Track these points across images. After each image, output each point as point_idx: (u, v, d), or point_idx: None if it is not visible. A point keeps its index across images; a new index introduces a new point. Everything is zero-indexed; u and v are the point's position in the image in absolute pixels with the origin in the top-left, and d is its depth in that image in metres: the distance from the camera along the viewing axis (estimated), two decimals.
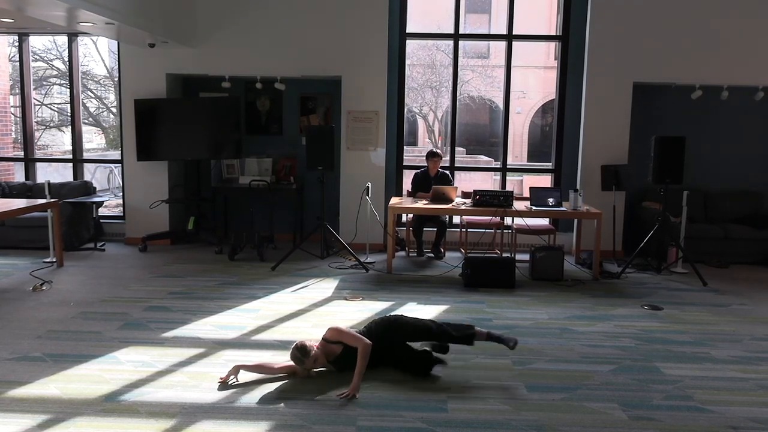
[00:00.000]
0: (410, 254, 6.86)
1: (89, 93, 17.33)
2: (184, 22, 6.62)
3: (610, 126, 6.78)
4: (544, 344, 4.06)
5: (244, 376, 3.43)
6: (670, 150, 5.84)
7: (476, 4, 19.75)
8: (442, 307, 4.83)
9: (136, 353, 3.77)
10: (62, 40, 11.40)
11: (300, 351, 3.37)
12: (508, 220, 6.61)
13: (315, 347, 3.44)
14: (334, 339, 3.47)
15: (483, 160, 16.46)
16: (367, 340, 3.43)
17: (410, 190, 6.85)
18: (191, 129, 6.85)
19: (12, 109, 9.68)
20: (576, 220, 6.91)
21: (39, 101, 16.51)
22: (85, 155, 8.61)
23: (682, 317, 4.72)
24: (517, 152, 19.75)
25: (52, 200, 5.96)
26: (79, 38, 8.19)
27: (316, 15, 6.79)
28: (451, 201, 6.17)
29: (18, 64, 7.65)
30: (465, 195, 6.62)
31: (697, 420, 3.05)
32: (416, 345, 3.71)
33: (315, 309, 4.75)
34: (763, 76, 6.69)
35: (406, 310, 4.75)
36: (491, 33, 17.26)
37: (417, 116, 19.86)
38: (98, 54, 17.63)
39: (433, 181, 6.62)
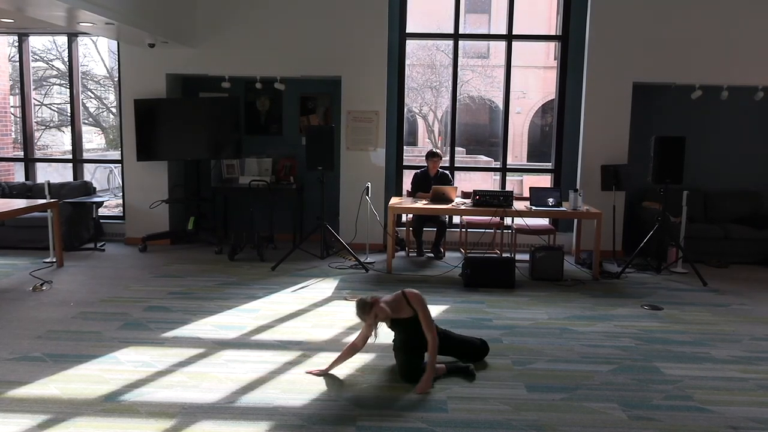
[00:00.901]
0: (410, 254, 6.86)
1: (89, 93, 17.34)
2: (184, 22, 6.62)
3: (610, 126, 6.78)
4: (544, 344, 4.06)
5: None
6: (670, 150, 5.84)
7: (476, 4, 19.77)
8: (442, 307, 4.83)
9: (136, 353, 3.77)
10: (62, 40, 11.41)
11: (359, 308, 3.42)
12: (507, 220, 6.61)
13: (379, 302, 3.42)
14: (414, 304, 3.46)
15: (483, 160, 16.47)
16: (435, 334, 3.45)
17: (410, 190, 6.85)
18: (191, 129, 6.84)
19: (12, 109, 9.69)
20: (576, 220, 6.91)
21: (39, 101, 16.52)
22: (85, 155, 8.61)
23: (682, 317, 4.72)
24: (517, 152, 19.77)
25: (52, 200, 5.96)
26: (79, 38, 8.19)
27: (316, 15, 6.78)
28: (451, 201, 6.17)
29: (18, 64, 7.66)
30: (465, 195, 6.62)
31: (697, 420, 3.05)
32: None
33: (315, 309, 4.75)
34: (763, 76, 6.69)
35: None
36: (491, 33, 17.26)
37: (417, 116, 19.87)
38: (98, 54, 17.67)
39: (433, 181, 6.62)
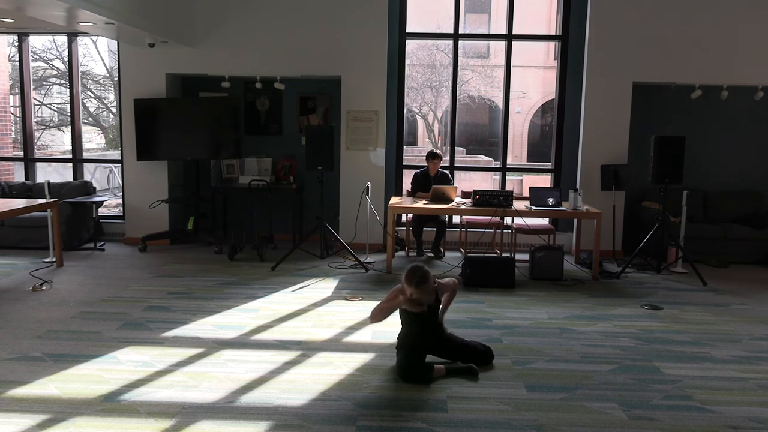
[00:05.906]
0: (410, 254, 6.86)
1: (89, 93, 17.34)
2: (184, 22, 6.62)
3: (610, 126, 6.78)
4: (544, 344, 4.06)
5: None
6: (669, 150, 5.84)
7: (476, 4, 19.78)
8: None
9: (136, 353, 3.77)
10: (62, 40, 11.42)
11: (419, 275, 3.49)
12: (507, 220, 6.61)
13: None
14: (440, 293, 3.61)
15: (483, 160, 16.48)
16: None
17: (410, 190, 6.85)
18: (191, 129, 6.84)
19: (12, 109, 9.69)
20: (575, 220, 6.91)
21: (39, 101, 16.53)
22: (85, 155, 8.60)
23: (681, 317, 4.72)
24: (517, 152, 19.78)
25: (52, 200, 5.96)
26: (79, 38, 8.19)
27: (316, 15, 6.78)
28: (451, 201, 6.17)
29: (18, 64, 7.66)
30: (465, 195, 6.62)
31: (697, 420, 3.05)
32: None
33: (315, 309, 4.74)
34: (763, 76, 6.69)
35: None
36: (491, 33, 17.26)
37: (417, 116, 19.88)
38: (98, 54, 17.69)
39: (432, 181, 6.62)
